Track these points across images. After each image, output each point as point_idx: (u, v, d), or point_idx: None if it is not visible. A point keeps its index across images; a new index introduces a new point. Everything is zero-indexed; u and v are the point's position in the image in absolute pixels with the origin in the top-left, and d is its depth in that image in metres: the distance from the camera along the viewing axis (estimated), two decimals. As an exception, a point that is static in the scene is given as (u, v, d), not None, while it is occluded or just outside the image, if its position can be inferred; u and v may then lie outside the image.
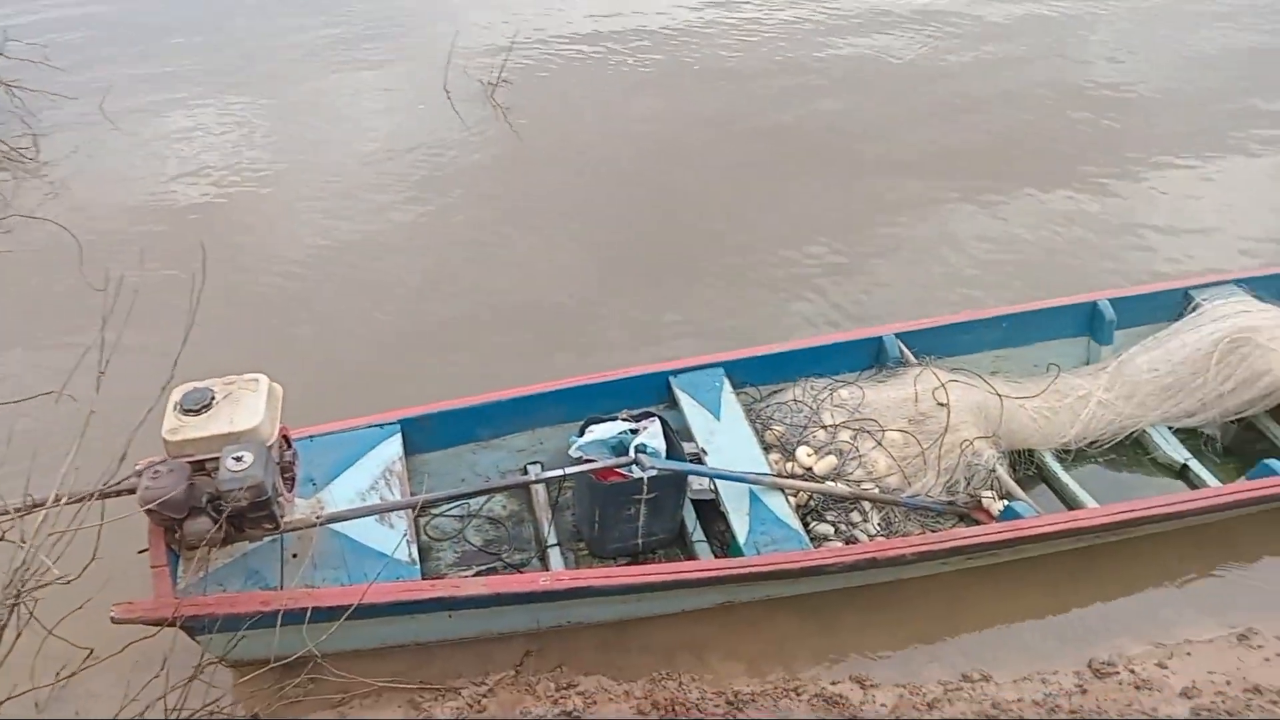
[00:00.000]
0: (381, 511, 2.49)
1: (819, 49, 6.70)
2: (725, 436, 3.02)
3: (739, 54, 6.66)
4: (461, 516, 2.96)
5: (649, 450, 2.77)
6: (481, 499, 2.94)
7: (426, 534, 2.90)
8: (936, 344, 3.39)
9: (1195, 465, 3.16)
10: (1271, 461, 2.94)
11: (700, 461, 2.91)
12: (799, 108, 5.89)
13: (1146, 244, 4.46)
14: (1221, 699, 2.30)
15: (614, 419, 2.91)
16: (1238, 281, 3.59)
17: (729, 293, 4.23)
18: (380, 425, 2.85)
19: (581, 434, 2.86)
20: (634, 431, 2.86)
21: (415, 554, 2.55)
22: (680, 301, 4.17)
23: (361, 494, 2.65)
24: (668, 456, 2.81)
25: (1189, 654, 2.52)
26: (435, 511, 2.94)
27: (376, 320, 4.04)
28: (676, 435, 2.96)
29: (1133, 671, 2.44)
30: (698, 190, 5.03)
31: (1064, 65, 6.43)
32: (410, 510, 2.61)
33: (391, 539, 2.54)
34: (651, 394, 3.21)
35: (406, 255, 4.50)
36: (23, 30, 5.98)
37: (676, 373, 3.24)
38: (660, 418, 2.94)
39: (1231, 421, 3.33)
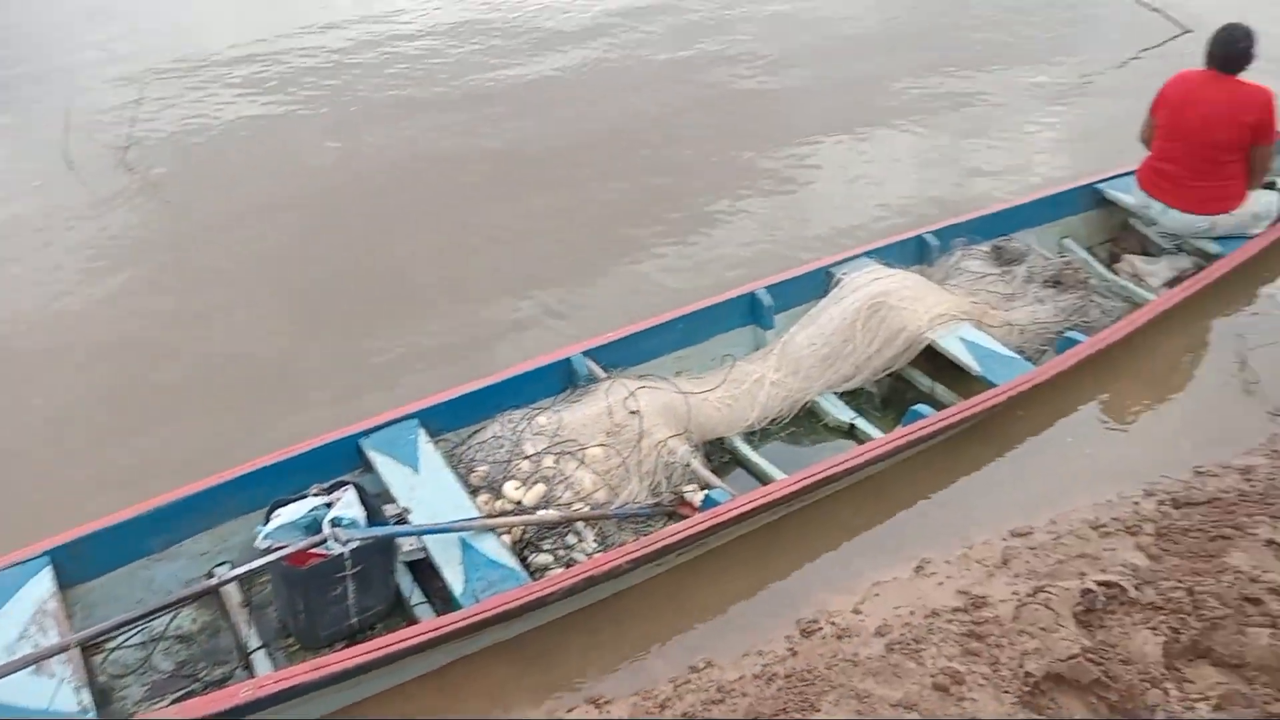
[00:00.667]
0: (32, 663, 2.16)
1: (492, 73, 6.76)
2: (428, 489, 2.95)
3: (412, 84, 6.57)
4: (144, 643, 2.64)
5: (345, 522, 2.62)
6: (164, 618, 2.64)
7: (105, 673, 2.56)
8: (622, 355, 3.53)
9: (860, 423, 3.51)
10: (919, 407, 3.33)
11: (404, 521, 2.82)
12: (481, 135, 5.91)
13: (797, 227, 4.90)
14: (909, 629, 2.57)
15: (303, 497, 2.74)
16: (868, 253, 4.03)
17: (424, 334, 4.14)
18: (21, 562, 2.48)
19: (267, 521, 2.65)
20: (328, 506, 2.71)
21: (89, 699, 2.24)
22: (372, 350, 4.03)
23: (9, 648, 2.29)
24: (369, 523, 2.68)
25: (878, 595, 2.79)
26: (111, 645, 2.61)
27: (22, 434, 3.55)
28: (376, 499, 2.84)
29: (834, 624, 2.66)
30: (383, 229, 4.90)
31: (722, 70, 6.95)
32: (73, 651, 2.28)
33: (55, 691, 2.21)
34: (342, 461, 3.06)
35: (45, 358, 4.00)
36: None
37: (368, 433, 3.11)
38: (355, 485, 2.80)
39: (885, 377, 3.74)
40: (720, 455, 3.47)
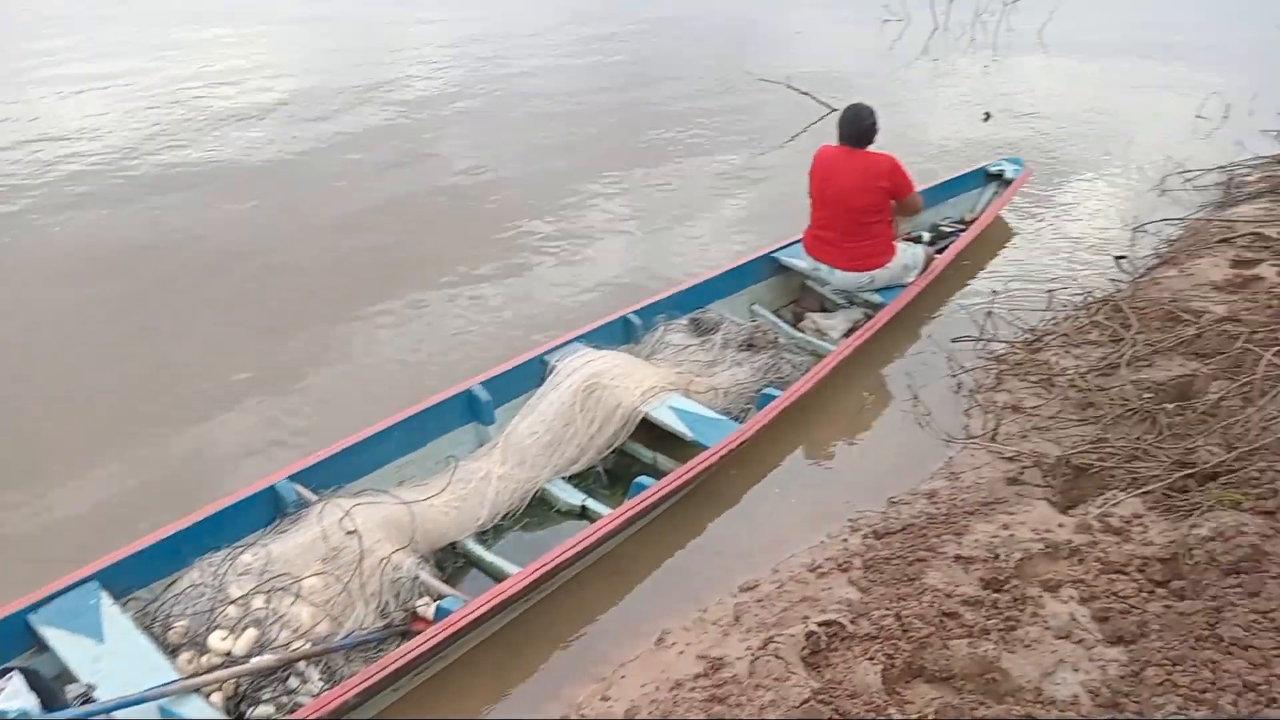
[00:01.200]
0: None
1: (171, 167, 6.32)
2: (117, 659, 2.59)
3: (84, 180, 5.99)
4: None
5: (12, 715, 2.24)
6: None
7: None
8: (335, 474, 3.33)
9: (591, 503, 3.53)
10: (641, 479, 3.40)
11: (89, 701, 2.44)
12: (153, 227, 5.49)
13: (512, 319, 4.94)
14: (656, 706, 2.57)
15: (-48, 699, 2.30)
16: (579, 338, 4.13)
17: (115, 476, 3.71)
18: None
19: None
20: (-11, 700, 2.30)
21: None
22: (42, 511, 3.54)
23: None
24: (47, 710, 2.30)
25: (624, 677, 2.77)
26: None
27: None
28: (54, 681, 2.45)
29: (583, 715, 2.60)
30: (63, 366, 4.36)
31: (423, 168, 6.95)
32: None
33: None
34: (9, 644, 2.63)
35: None
36: None
37: (37, 606, 2.70)
38: (22, 670, 2.41)
39: (610, 454, 3.81)
40: (454, 561, 3.35)
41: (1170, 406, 3.63)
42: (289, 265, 5.42)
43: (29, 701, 2.31)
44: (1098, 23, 13.05)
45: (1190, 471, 3.14)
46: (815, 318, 4.76)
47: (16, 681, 2.36)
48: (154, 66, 9.76)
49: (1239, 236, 5.38)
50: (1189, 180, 6.84)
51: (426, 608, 2.97)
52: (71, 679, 2.54)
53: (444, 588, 3.01)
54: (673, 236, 5.97)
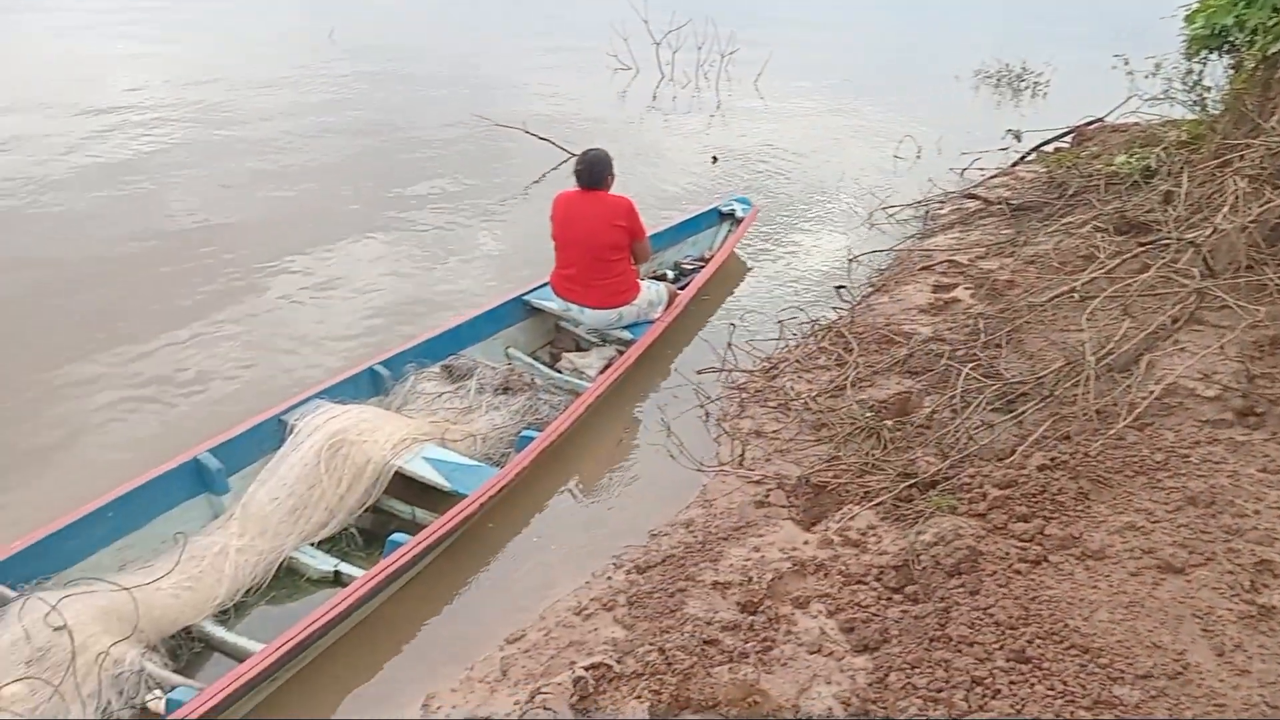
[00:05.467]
0: None
1: None
2: None
3: None
4: None
5: None
6: None
7: None
8: (39, 565, 2.93)
9: (345, 567, 3.32)
10: (396, 535, 3.25)
11: None
12: None
13: (247, 378, 4.59)
14: (422, 777, 2.44)
15: None
16: (320, 394, 3.90)
17: None
18: None
19: None
20: None
21: None
22: None
23: None
24: None
25: (387, 751, 2.62)
26: None
27: None
28: None
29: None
30: None
31: (146, 217, 6.34)
32: None
33: None
34: None
35: None
36: None
37: None
38: None
39: (365, 513, 3.61)
40: (191, 646, 3.03)
41: (891, 422, 3.99)
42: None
43: None
44: (806, 72, 14.35)
45: (913, 481, 3.46)
46: (571, 357, 4.81)
47: None
48: None
49: (937, 264, 6.06)
50: (892, 214, 7.62)
51: (157, 701, 2.66)
52: None
53: (174, 678, 2.72)
54: (419, 284, 5.83)
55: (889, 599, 2.93)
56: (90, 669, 2.63)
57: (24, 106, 9.00)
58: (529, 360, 4.86)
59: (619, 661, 2.67)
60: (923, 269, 6.04)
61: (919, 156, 9.46)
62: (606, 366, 4.69)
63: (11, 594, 2.78)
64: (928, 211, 7.65)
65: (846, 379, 4.46)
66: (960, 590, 2.85)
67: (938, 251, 6.36)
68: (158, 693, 2.69)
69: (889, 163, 9.38)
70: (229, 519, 3.37)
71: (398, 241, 6.43)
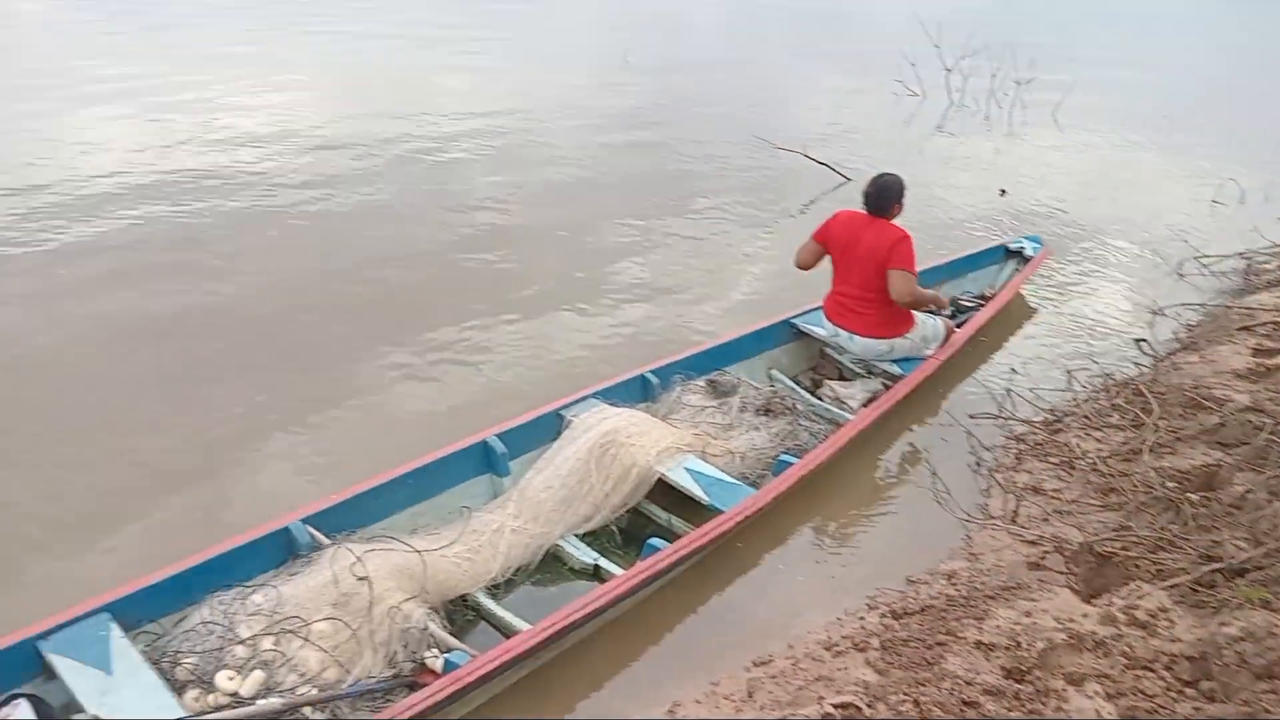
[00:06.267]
0: None
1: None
2: (124, 692, 2.53)
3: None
4: None
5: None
6: None
7: None
8: (349, 519, 3.29)
9: (604, 562, 3.47)
10: (654, 540, 3.36)
11: (91, 734, 2.39)
12: (192, 290, 5.50)
13: (529, 373, 4.93)
14: (666, 780, 2.50)
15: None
16: (596, 394, 4.11)
17: (140, 508, 3.70)
18: None
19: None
20: (-10, 729, 2.26)
21: None
22: (75, 538, 3.52)
23: None
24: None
25: (634, 748, 2.70)
26: None
27: None
28: (60, 711, 2.40)
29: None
30: (99, 402, 4.37)
31: (447, 220, 7.01)
32: None
33: None
34: (18, 670, 2.58)
35: None
36: None
37: (48, 634, 2.65)
38: (30, 697, 2.37)
39: (625, 513, 3.76)
40: (464, 613, 3.28)
41: (1195, 497, 3.59)
42: (309, 309, 5.43)
43: (33, 731, 2.27)
44: (1111, 106, 13.26)
45: (1217, 566, 3.09)
46: (834, 385, 4.74)
47: (24, 708, 2.32)
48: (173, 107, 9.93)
49: (1260, 325, 5.38)
50: (1207, 265, 6.87)
51: (435, 660, 2.91)
52: (78, 709, 2.48)
53: (453, 641, 2.95)
54: (690, 298, 5.98)
55: (1179, 692, 2.63)
56: (383, 620, 2.92)
57: (361, 114, 10.19)
58: (791, 384, 4.84)
59: (869, 705, 2.59)
60: (1242, 329, 5.39)
61: (1242, 203, 8.47)
62: (870, 399, 4.58)
63: (326, 541, 3.15)
64: (1250, 265, 6.83)
65: (1144, 442, 4.07)
66: (1270, 696, 2.51)
67: (1261, 311, 5.65)
68: (435, 652, 2.94)
69: (1205, 208, 8.47)
70: (507, 500, 3.62)
71: (670, 255, 6.64)
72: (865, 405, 4.51)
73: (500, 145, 9.18)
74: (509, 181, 8.03)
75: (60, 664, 2.59)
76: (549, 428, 3.93)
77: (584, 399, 4.05)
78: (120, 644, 2.68)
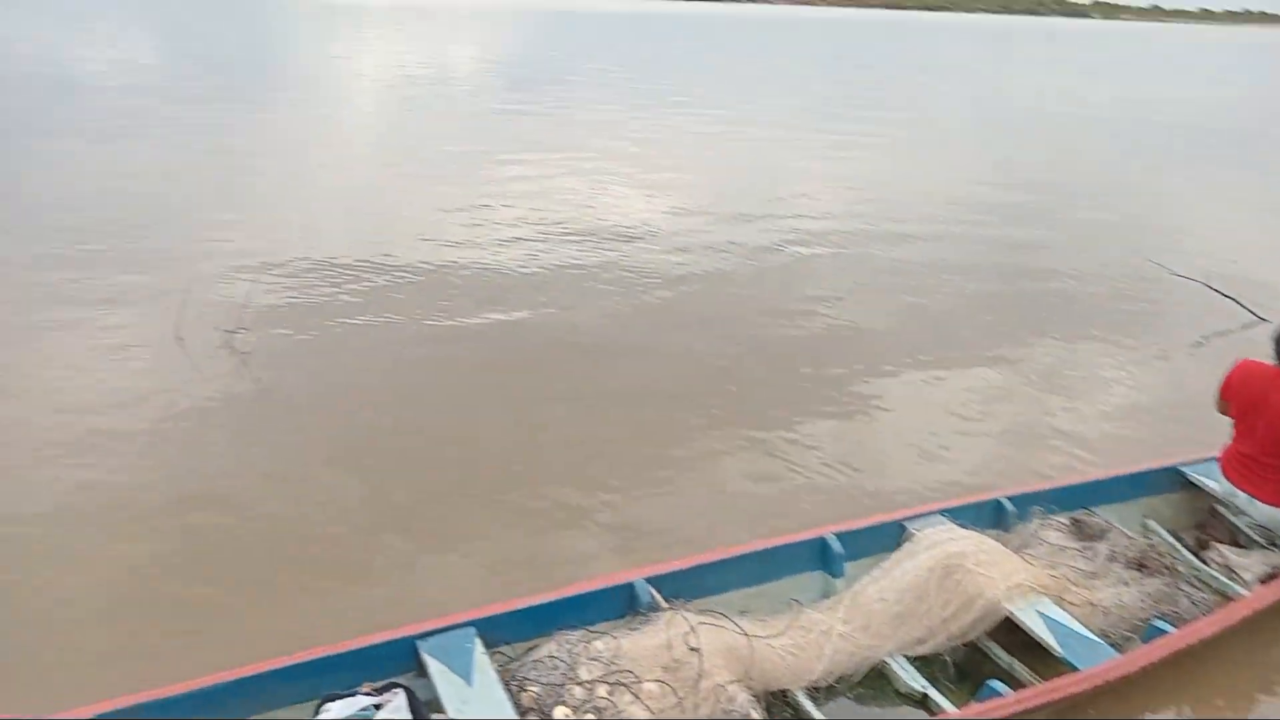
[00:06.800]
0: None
1: (583, 288, 7.14)
2: (478, 704, 2.83)
3: (498, 289, 6.97)
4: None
5: (393, 728, 2.52)
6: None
7: None
8: (686, 586, 3.44)
9: (934, 693, 3.28)
10: (995, 683, 3.13)
11: (450, 740, 2.69)
12: (556, 343, 6.18)
13: (870, 476, 4.87)
14: None
15: (354, 694, 2.65)
16: (943, 511, 3.95)
17: (493, 537, 4.15)
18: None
19: (316, 714, 2.56)
20: (376, 707, 2.62)
21: None
22: (441, 551, 4.04)
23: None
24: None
25: None
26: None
27: (103, 598, 3.61)
28: (425, 707, 2.73)
29: None
30: (462, 431, 5.03)
31: (777, 304, 7.24)
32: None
33: None
34: (397, 662, 2.98)
35: (129, 517, 4.08)
36: None
37: (425, 636, 3.04)
38: (406, 688, 2.71)
39: (962, 646, 3.55)
40: (781, 709, 3.26)
41: None
42: (660, 379, 5.81)
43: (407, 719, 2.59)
44: None
45: None
46: (1225, 551, 4.15)
47: (401, 699, 2.66)
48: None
49: None
50: None
51: (756, 749, 2.92)
52: (439, 709, 2.80)
53: (774, 736, 2.95)
54: (1052, 422, 5.58)
55: None
56: (709, 695, 2.98)
57: (733, 201, 10.78)
58: (1171, 540, 4.30)
59: None
60: None
61: None
62: (1270, 576, 3.94)
63: (664, 604, 3.30)
64: None
65: None
66: None
67: None
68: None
69: None
70: (838, 603, 3.57)
71: (1033, 372, 6.26)
72: (1263, 581, 3.90)
73: (860, 244, 9.26)
74: (853, 274, 8.06)
75: (432, 665, 2.94)
76: (890, 537, 3.84)
77: (929, 514, 3.92)
78: (481, 659, 2.99)
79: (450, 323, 6.46)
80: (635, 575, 3.40)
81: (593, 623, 3.26)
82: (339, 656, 2.86)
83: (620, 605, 3.35)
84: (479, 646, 3.03)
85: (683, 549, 3.77)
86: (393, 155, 13.43)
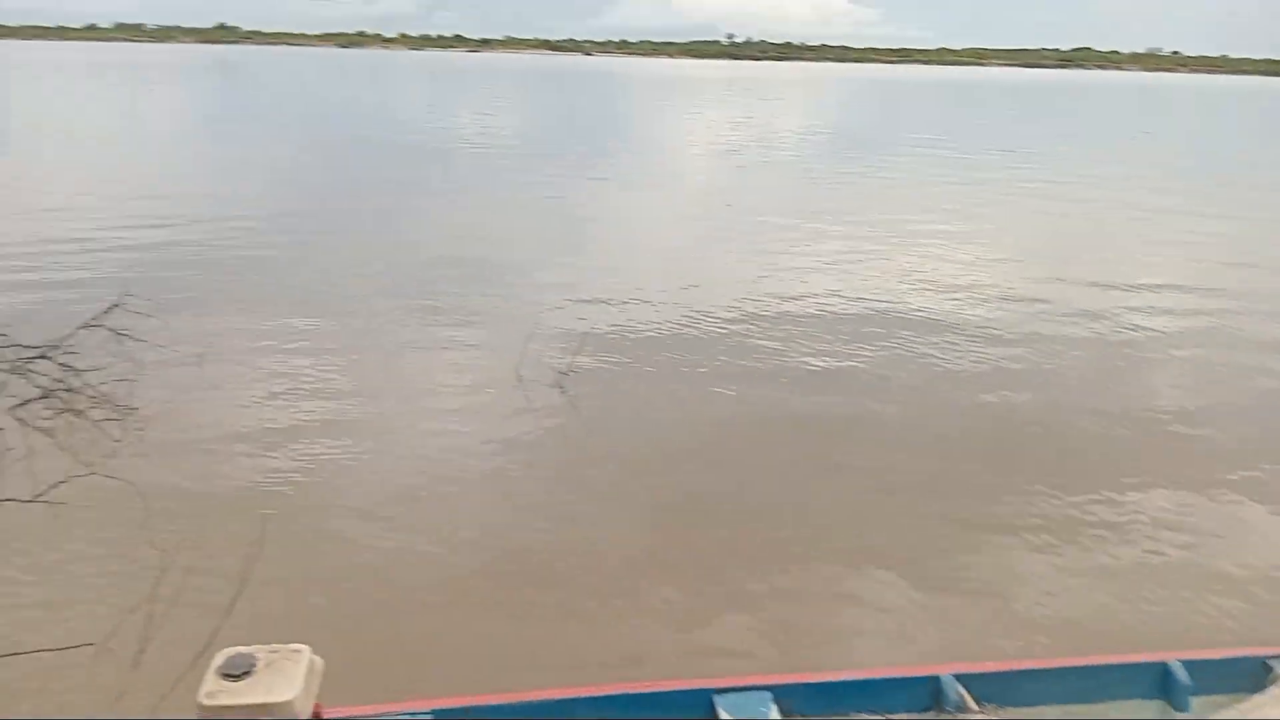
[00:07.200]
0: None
1: (899, 355, 7.04)
2: None
3: (823, 359, 7.02)
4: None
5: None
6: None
7: None
8: (1000, 691, 3.20)
9: None
10: None
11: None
12: (870, 422, 6.09)
13: (1221, 598, 4.29)
14: None
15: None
16: (1311, 652, 3.38)
17: (783, 603, 4.15)
18: (411, 715, 2.72)
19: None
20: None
21: None
22: (730, 606, 4.09)
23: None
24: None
25: None
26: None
27: (430, 596, 4.03)
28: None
29: None
30: (761, 496, 5.10)
31: (1107, 404, 6.62)
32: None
33: None
34: (692, 711, 3.05)
35: (460, 534, 4.56)
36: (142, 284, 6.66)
37: (722, 691, 3.09)
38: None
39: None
40: None
41: None
42: (952, 449, 5.51)
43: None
44: None
45: None
46: None
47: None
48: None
49: None
50: None
51: None
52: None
53: None
54: None
55: None
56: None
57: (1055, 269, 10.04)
58: None
59: None
60: None
61: None
62: None
63: (974, 707, 3.10)
64: None
65: None
66: None
67: None
68: None
69: None
70: (1174, 742, 3.17)
71: None
72: None
73: (1221, 344, 8.24)
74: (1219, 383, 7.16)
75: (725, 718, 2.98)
76: (1246, 675, 3.34)
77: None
78: (773, 725, 2.99)
79: (769, 393, 6.56)
80: (943, 670, 3.22)
81: (892, 711, 3.13)
82: (640, 696, 2.98)
83: (924, 699, 3.20)
84: (774, 710, 3.02)
85: (987, 650, 3.54)
86: (721, 221, 14.01)
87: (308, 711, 2.21)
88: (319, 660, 2.34)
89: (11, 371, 5.34)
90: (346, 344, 7.09)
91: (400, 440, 5.48)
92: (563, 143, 25.58)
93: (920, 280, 9.97)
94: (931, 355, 7.38)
